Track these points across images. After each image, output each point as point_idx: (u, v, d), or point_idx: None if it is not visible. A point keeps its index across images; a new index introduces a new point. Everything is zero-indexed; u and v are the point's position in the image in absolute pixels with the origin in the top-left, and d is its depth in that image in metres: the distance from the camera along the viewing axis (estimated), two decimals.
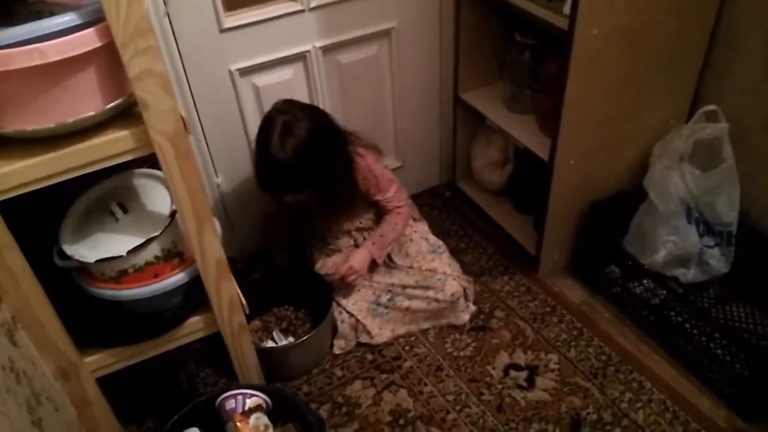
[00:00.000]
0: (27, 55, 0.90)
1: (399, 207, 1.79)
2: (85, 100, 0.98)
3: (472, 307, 1.87)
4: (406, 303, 1.79)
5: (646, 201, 1.76)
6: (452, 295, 1.78)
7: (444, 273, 1.81)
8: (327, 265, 1.82)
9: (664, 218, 1.72)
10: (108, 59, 0.98)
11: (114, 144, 1.03)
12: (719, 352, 1.60)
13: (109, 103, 1.01)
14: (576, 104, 1.60)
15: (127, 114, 1.06)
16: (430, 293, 1.78)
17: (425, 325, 1.84)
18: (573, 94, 1.57)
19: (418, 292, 1.79)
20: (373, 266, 1.82)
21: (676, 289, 1.75)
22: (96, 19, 0.95)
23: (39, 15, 0.98)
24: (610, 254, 1.85)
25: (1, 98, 0.95)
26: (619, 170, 1.85)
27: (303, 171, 1.54)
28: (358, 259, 1.76)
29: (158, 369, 1.69)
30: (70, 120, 0.98)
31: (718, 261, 1.75)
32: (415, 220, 1.90)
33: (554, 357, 1.74)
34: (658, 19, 1.56)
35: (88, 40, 0.93)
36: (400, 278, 1.81)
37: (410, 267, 1.83)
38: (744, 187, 1.69)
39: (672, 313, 1.71)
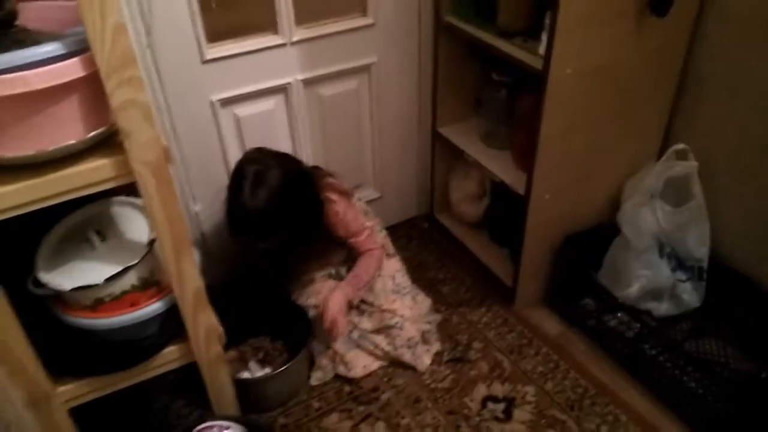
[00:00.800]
0: (10, 83, 0.91)
1: (371, 250, 1.80)
2: (67, 128, 0.99)
3: (435, 348, 1.86)
4: (370, 348, 1.80)
5: (619, 236, 1.79)
6: (408, 340, 1.79)
7: (402, 316, 1.79)
8: (309, 302, 1.82)
9: (636, 253, 1.75)
10: (91, 88, 0.99)
11: (95, 172, 1.04)
12: (692, 384, 1.62)
13: (91, 131, 1.02)
14: (551, 141, 1.64)
15: (109, 142, 1.07)
16: (389, 339, 1.79)
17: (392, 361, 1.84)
18: (548, 131, 1.62)
19: (379, 338, 1.80)
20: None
21: (650, 322, 1.78)
22: (80, 49, 0.96)
23: (22, 43, 0.99)
24: (585, 287, 1.88)
25: None
26: (592, 205, 1.89)
27: (274, 219, 1.57)
28: (336, 301, 1.72)
29: (131, 399, 1.66)
30: (51, 148, 0.98)
31: (690, 295, 1.78)
32: (388, 255, 1.90)
33: (531, 389, 1.75)
34: (629, 59, 1.62)
35: (72, 69, 0.94)
36: (364, 322, 1.81)
37: (371, 305, 1.82)
38: (714, 223, 1.74)
39: (646, 346, 1.73)
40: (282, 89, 1.83)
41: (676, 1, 1.53)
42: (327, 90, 1.92)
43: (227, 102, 1.76)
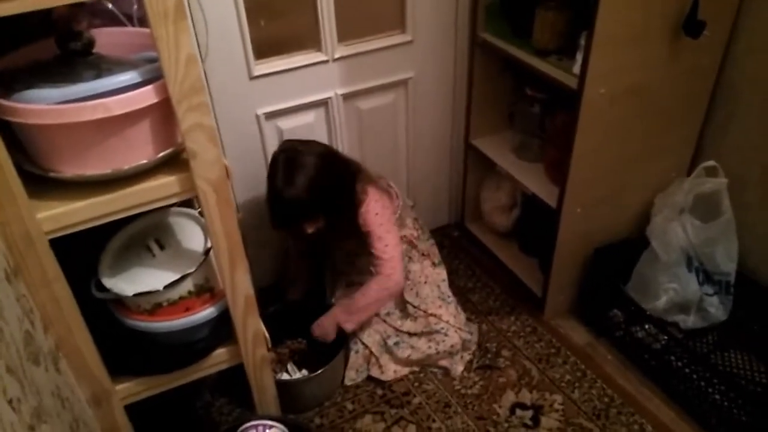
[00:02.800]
0: (92, 110, 0.99)
1: (381, 269, 1.73)
2: (140, 148, 1.08)
3: (467, 357, 1.92)
4: (408, 352, 1.86)
5: (648, 249, 1.84)
6: (452, 346, 1.86)
7: (447, 322, 1.86)
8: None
9: (665, 266, 1.80)
10: (161, 113, 1.07)
11: (162, 188, 1.12)
12: (717, 397, 1.66)
13: (161, 152, 1.10)
14: (583, 156, 1.69)
15: (175, 161, 1.15)
16: (432, 344, 1.85)
17: (425, 366, 1.90)
18: (581, 147, 1.67)
19: (421, 342, 1.86)
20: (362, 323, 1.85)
21: (677, 334, 1.82)
22: (154, 77, 1.04)
23: (99, 71, 1.08)
24: (614, 299, 1.93)
25: (64, 146, 1.04)
26: (623, 219, 1.94)
27: (308, 201, 1.61)
28: (321, 325, 1.79)
29: (176, 397, 1.75)
30: (125, 167, 1.07)
31: (717, 309, 1.82)
32: (434, 264, 1.96)
33: (559, 397, 1.81)
34: (662, 79, 1.67)
35: (147, 96, 1.03)
36: (408, 325, 1.87)
37: (417, 308, 1.88)
38: (742, 239, 1.78)
39: (672, 358, 1.77)
40: (323, 103, 1.91)
41: (709, 22, 1.57)
42: (365, 104, 1.99)
43: (271, 115, 1.85)
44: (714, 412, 1.66)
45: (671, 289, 1.81)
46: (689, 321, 1.84)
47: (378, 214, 1.71)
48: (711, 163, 1.77)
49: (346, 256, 1.92)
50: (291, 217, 1.67)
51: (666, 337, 1.81)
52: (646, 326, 1.86)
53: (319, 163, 1.62)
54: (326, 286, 1.98)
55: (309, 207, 1.63)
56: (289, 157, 1.62)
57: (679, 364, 1.75)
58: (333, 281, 1.96)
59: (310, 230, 1.69)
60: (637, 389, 1.82)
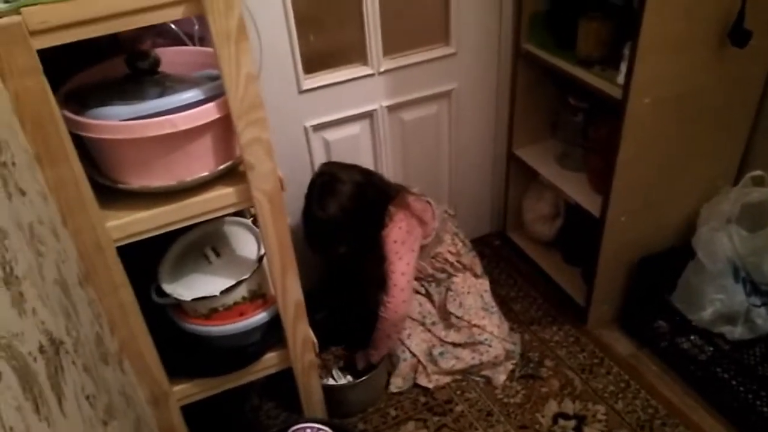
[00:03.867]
0: (159, 125, 1.06)
1: (386, 293, 1.76)
2: (202, 161, 1.14)
3: (510, 367, 1.93)
4: (452, 362, 1.88)
5: (694, 260, 1.83)
6: (495, 357, 1.88)
7: (491, 333, 1.89)
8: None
9: (711, 277, 1.78)
10: (222, 128, 1.13)
11: (221, 199, 1.19)
12: (765, 409, 1.64)
13: (221, 165, 1.17)
14: (627, 165, 1.70)
15: (233, 173, 1.22)
16: (476, 354, 1.88)
17: (467, 375, 1.93)
18: (625, 156, 1.68)
19: (465, 353, 1.88)
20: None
21: (723, 346, 1.80)
22: (216, 94, 1.11)
23: (163, 88, 1.14)
24: (659, 309, 1.92)
25: (132, 160, 1.11)
26: (667, 228, 1.93)
27: (337, 225, 1.72)
28: (360, 361, 1.90)
29: (225, 400, 1.81)
30: (188, 179, 1.13)
31: (764, 320, 1.79)
32: (477, 275, 1.98)
33: (602, 408, 1.81)
34: (707, 89, 1.67)
35: (210, 112, 1.09)
36: (452, 336, 1.90)
37: (461, 319, 1.90)
38: None
39: (719, 369, 1.76)
40: (368, 115, 1.96)
41: (756, 31, 1.56)
42: (409, 115, 2.04)
43: (318, 127, 1.91)
44: (761, 425, 1.64)
45: (717, 300, 1.79)
46: (736, 332, 1.81)
47: (396, 241, 1.75)
48: (758, 172, 1.76)
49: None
50: (321, 236, 1.78)
51: (712, 349, 1.79)
52: (692, 337, 1.85)
53: (354, 191, 1.72)
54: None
55: (337, 230, 1.74)
56: (326, 182, 1.73)
57: (726, 375, 1.74)
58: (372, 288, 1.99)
59: (341, 250, 1.79)
60: (681, 400, 1.81)
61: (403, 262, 1.76)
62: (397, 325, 1.81)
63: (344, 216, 1.71)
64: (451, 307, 1.92)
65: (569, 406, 1.82)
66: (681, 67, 1.59)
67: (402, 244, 1.76)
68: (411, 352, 1.89)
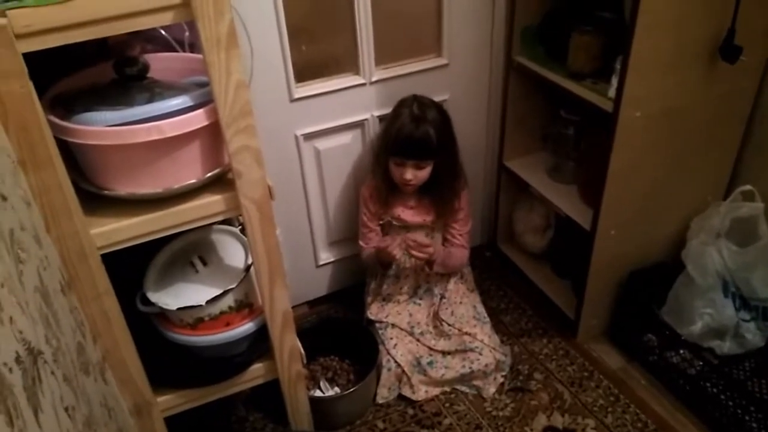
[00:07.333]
0: (146, 132, 1.04)
1: (464, 246, 1.97)
2: (189, 169, 1.13)
3: (500, 379, 1.92)
4: (441, 372, 1.87)
5: (683, 273, 1.83)
6: (486, 366, 1.86)
7: (482, 341, 1.88)
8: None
9: (701, 291, 1.78)
10: (210, 135, 1.12)
11: (209, 206, 1.17)
12: (754, 425, 1.63)
13: (209, 172, 1.15)
14: (618, 179, 1.70)
15: (221, 180, 1.20)
16: (466, 362, 1.86)
17: (457, 386, 1.91)
18: (615, 170, 1.68)
19: (455, 361, 1.87)
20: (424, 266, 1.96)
21: (712, 360, 1.80)
22: (205, 101, 1.09)
23: (152, 94, 1.13)
24: (648, 323, 1.91)
25: (119, 166, 1.10)
26: (657, 242, 1.93)
27: (438, 132, 1.78)
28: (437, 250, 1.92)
29: (211, 412, 1.79)
30: (175, 186, 1.12)
31: (753, 335, 1.80)
32: (469, 290, 2.00)
33: (591, 422, 1.79)
34: (698, 103, 1.67)
35: (198, 119, 1.08)
36: (442, 344, 1.89)
37: (452, 326, 1.90)
38: None
39: (708, 384, 1.75)
40: (359, 124, 1.96)
41: (746, 47, 1.57)
42: None
43: (309, 136, 1.90)
44: None
45: (707, 314, 1.79)
46: (725, 347, 1.81)
47: (467, 205, 1.95)
48: (748, 187, 1.76)
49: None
50: (423, 142, 1.77)
51: (701, 363, 1.79)
52: (681, 351, 1.84)
53: (445, 116, 1.85)
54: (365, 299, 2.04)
55: (436, 139, 1.77)
56: (420, 101, 1.82)
57: (715, 390, 1.73)
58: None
59: (418, 171, 1.81)
60: (671, 415, 1.80)
61: (470, 224, 1.99)
62: (464, 261, 2.02)
63: (440, 130, 1.79)
64: (443, 315, 1.92)
65: (558, 420, 1.81)
66: (672, 81, 1.60)
67: (467, 210, 1.96)
68: (396, 361, 1.87)
